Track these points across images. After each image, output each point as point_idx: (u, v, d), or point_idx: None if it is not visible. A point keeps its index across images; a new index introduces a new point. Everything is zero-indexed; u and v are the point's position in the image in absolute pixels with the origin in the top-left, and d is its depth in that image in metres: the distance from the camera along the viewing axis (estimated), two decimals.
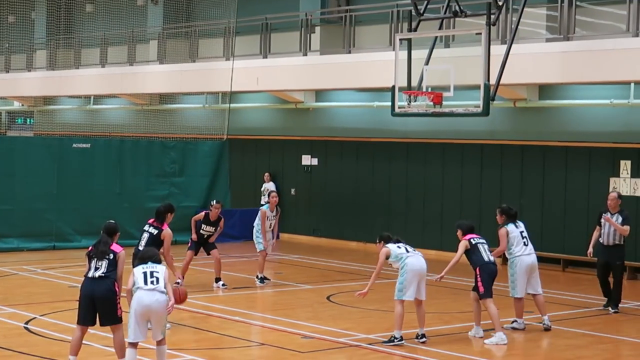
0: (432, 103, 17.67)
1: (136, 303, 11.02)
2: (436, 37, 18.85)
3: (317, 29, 26.44)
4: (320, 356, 13.06)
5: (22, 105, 38.27)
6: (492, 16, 17.19)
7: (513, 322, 15.00)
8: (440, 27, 19.08)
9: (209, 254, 18.26)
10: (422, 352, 13.01)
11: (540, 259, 22.10)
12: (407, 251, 13.84)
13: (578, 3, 20.49)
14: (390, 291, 18.39)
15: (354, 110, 26.31)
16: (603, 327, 15.23)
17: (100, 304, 11.28)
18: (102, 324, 11.43)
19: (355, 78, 23.83)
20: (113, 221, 12.09)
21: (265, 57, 26.68)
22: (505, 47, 18.01)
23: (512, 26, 18.94)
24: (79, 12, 35.69)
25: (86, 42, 34.15)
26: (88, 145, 24.71)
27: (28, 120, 39.09)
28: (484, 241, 14.61)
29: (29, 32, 36.52)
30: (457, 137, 23.82)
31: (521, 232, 15.09)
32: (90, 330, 13.67)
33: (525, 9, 18.30)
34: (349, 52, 24.59)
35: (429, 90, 17.77)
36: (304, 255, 23.94)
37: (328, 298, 17.31)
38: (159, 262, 11.42)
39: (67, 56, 34.78)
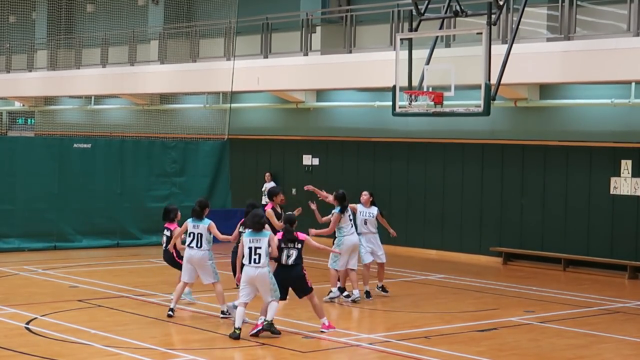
0: (432, 103, 17.66)
1: (244, 274, 13.67)
2: (437, 37, 18.85)
3: (318, 28, 26.44)
4: (321, 356, 13.05)
5: (23, 105, 38.28)
6: (493, 16, 17.18)
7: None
8: (441, 27, 19.07)
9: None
10: (424, 352, 13.01)
11: (540, 259, 22.35)
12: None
13: (579, 3, 20.48)
14: (391, 291, 18.42)
15: (355, 110, 26.31)
16: (604, 326, 15.23)
17: (294, 284, 14.15)
18: (299, 297, 14.34)
19: (356, 78, 23.84)
20: (291, 212, 14.66)
21: (266, 57, 26.69)
22: (506, 46, 18.01)
23: (513, 26, 18.94)
24: (80, 12, 35.71)
25: (87, 42, 34.17)
26: (89, 146, 24.69)
27: (29, 120, 39.10)
28: None
29: (29, 32, 36.53)
30: (458, 137, 23.82)
31: (349, 216, 16.91)
32: (91, 330, 13.75)
33: (526, 9, 18.29)
34: (350, 52, 24.59)
35: (430, 90, 17.76)
36: (305, 255, 23.81)
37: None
38: (264, 225, 13.90)
39: (67, 56, 34.80)
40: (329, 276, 17.05)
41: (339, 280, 16.92)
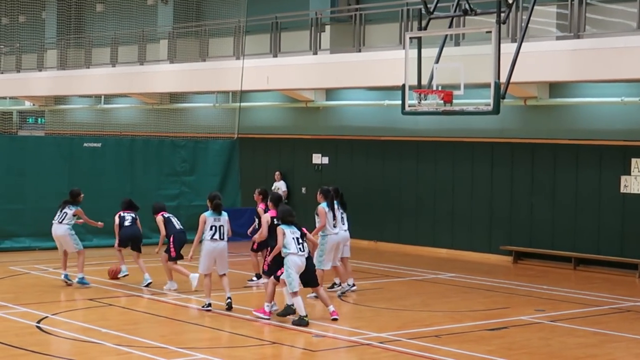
0: (442, 101, 17.65)
1: (294, 264, 14.48)
2: (446, 36, 18.84)
3: (327, 27, 26.46)
4: (331, 355, 13.07)
5: (33, 104, 38.37)
6: (502, 14, 17.17)
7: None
8: (450, 26, 19.06)
9: None
10: (434, 351, 13.01)
11: (551, 257, 22.32)
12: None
13: (588, 1, 20.46)
14: (402, 290, 18.45)
15: (364, 108, 26.31)
16: (614, 325, 15.21)
17: (306, 275, 14.71)
18: (305, 286, 14.93)
19: (365, 77, 23.84)
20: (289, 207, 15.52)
21: (275, 56, 26.71)
22: (515, 45, 17.99)
23: (523, 24, 18.93)
24: (90, 12, 35.80)
25: (97, 42, 34.24)
26: (99, 145, 24.74)
27: (39, 119, 39.21)
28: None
29: (39, 32, 36.62)
30: (468, 136, 23.81)
31: (335, 214, 17.31)
32: (102, 329, 13.80)
33: (535, 7, 18.27)
34: (359, 51, 24.59)
35: (439, 88, 17.75)
36: None
37: (339, 297, 17.32)
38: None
39: (77, 56, 34.88)
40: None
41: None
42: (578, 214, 22.07)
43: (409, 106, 18.30)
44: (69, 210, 18.09)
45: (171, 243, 17.47)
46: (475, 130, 23.54)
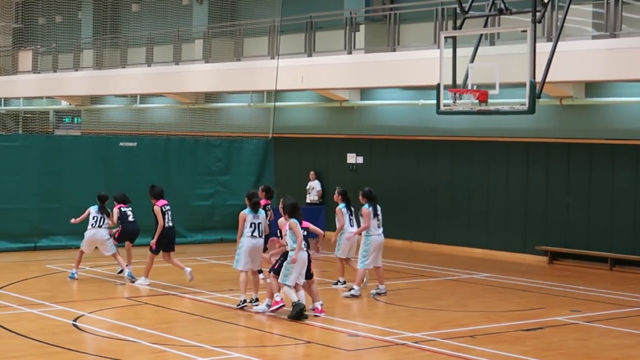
0: (477, 101, 17.57)
1: (299, 259, 14.77)
2: (481, 35, 18.76)
3: (362, 27, 26.45)
4: (365, 354, 13.07)
5: (70, 104, 38.65)
6: (538, 13, 17.07)
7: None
8: (485, 25, 18.98)
9: None
10: (468, 351, 12.98)
11: (587, 258, 22.18)
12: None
13: (624, 0, 20.33)
14: (436, 290, 18.42)
15: (399, 108, 26.28)
16: None
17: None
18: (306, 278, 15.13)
19: (400, 76, 23.81)
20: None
21: (310, 55, 26.73)
22: (551, 44, 17.88)
23: (558, 23, 18.81)
24: (125, 12, 35.98)
25: (132, 42, 34.42)
26: (134, 144, 24.86)
27: (75, 119, 39.47)
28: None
29: (76, 32, 36.87)
30: (503, 135, 23.72)
31: (377, 216, 17.34)
32: (138, 327, 13.88)
33: (571, 6, 18.16)
34: (394, 50, 24.56)
35: (474, 88, 17.69)
36: None
37: (374, 296, 17.32)
38: None
39: (113, 55, 35.08)
40: (355, 275, 17.40)
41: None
42: (614, 214, 21.93)
43: (444, 106, 18.24)
44: (105, 215, 18.74)
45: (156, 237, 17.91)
46: (510, 130, 23.45)
